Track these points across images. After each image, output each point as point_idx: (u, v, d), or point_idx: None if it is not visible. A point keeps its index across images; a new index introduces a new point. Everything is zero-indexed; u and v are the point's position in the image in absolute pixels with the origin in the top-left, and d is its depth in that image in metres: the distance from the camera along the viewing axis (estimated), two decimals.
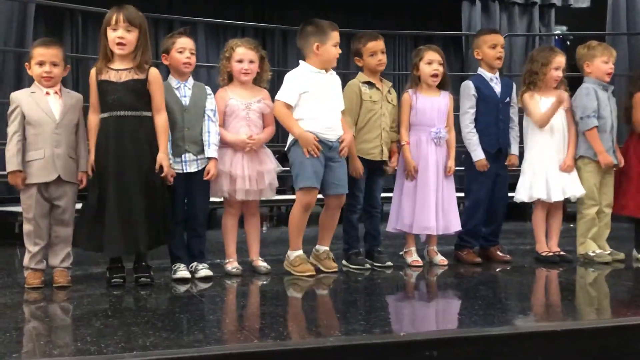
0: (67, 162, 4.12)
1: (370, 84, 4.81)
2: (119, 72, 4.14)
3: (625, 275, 4.81)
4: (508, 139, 5.06)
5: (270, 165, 4.59)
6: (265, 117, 4.63)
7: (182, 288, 4.17)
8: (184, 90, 4.44)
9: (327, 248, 4.69)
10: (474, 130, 4.97)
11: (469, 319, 3.46)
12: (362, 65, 4.87)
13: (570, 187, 5.00)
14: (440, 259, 4.93)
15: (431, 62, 4.86)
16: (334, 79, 4.66)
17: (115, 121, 4.11)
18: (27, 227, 4.14)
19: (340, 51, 4.59)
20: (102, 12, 4.24)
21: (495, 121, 5.01)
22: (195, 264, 4.44)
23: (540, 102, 5.03)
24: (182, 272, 4.35)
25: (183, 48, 4.43)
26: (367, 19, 9.72)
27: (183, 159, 4.36)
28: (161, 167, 4.11)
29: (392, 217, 4.96)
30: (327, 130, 4.51)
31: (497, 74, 5.10)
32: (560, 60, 5.04)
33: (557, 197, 4.99)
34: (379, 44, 4.84)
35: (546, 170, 4.99)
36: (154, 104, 4.17)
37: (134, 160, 4.10)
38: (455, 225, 4.89)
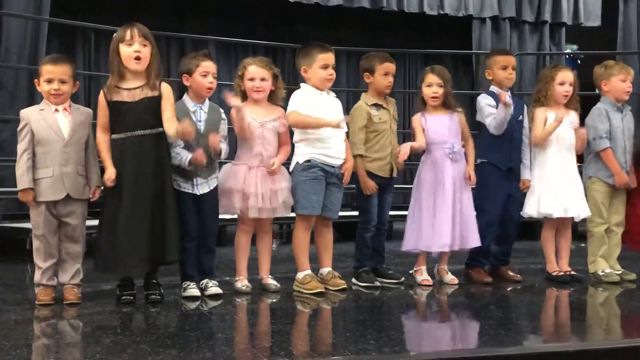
0: (76, 180, 4.12)
1: (377, 106, 4.83)
2: (132, 91, 4.15)
3: (636, 296, 4.77)
4: (520, 157, 5.04)
5: (284, 183, 4.57)
6: (281, 136, 4.62)
7: (192, 305, 4.17)
8: (200, 114, 4.42)
9: (329, 269, 4.69)
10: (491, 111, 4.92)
11: (479, 339, 3.45)
12: (370, 83, 4.88)
13: (575, 206, 4.97)
14: (450, 278, 4.91)
15: (430, 85, 4.89)
16: (334, 100, 4.70)
17: (133, 141, 4.12)
18: (36, 244, 4.14)
19: (331, 72, 4.63)
20: (114, 30, 4.25)
21: (509, 138, 4.98)
22: (205, 281, 4.44)
23: (549, 117, 5.00)
24: (192, 290, 4.34)
25: (207, 72, 4.42)
26: (378, 36, 9.73)
27: (194, 183, 4.35)
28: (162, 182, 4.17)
29: (409, 236, 4.92)
30: (330, 153, 4.56)
31: (509, 93, 5.08)
32: (564, 75, 5.02)
33: (561, 213, 4.95)
34: (393, 66, 4.90)
35: (555, 186, 4.97)
36: (165, 115, 4.15)
37: (151, 179, 4.11)
38: (473, 240, 4.85)
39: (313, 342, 3.54)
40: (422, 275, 4.88)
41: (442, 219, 4.77)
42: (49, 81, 4.11)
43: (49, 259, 4.13)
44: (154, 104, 4.15)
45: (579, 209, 4.99)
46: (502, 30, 9.89)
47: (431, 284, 4.84)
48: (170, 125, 4.13)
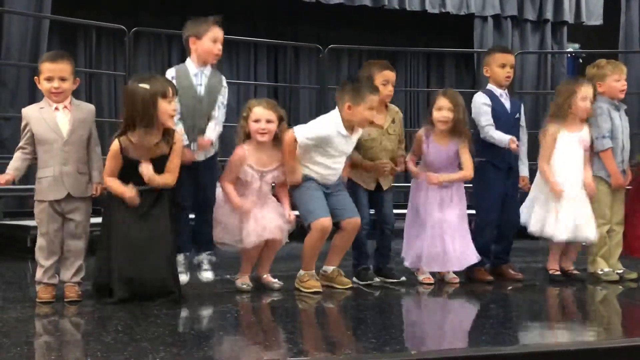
0: (76, 179, 4.11)
1: (369, 123, 4.69)
2: (150, 149, 4.09)
3: (636, 295, 4.77)
4: (517, 156, 5.04)
5: (277, 210, 4.53)
6: (278, 185, 4.61)
7: (193, 302, 4.16)
8: (201, 77, 4.39)
9: (335, 267, 4.67)
10: (492, 126, 4.89)
11: (479, 338, 3.45)
12: None
13: (582, 230, 4.89)
14: (451, 276, 4.90)
15: (441, 109, 4.81)
16: (354, 139, 4.60)
17: (139, 195, 4.09)
18: (40, 241, 4.13)
19: (374, 113, 4.52)
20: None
21: None
22: (202, 257, 4.45)
23: (562, 138, 4.95)
24: (181, 275, 4.33)
25: (216, 38, 4.40)
26: (379, 34, 9.72)
27: (191, 148, 4.33)
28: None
29: (407, 253, 4.95)
30: (325, 180, 4.55)
31: (506, 91, 5.09)
32: (586, 90, 4.92)
33: (563, 237, 4.88)
34: (392, 75, 4.85)
35: (559, 204, 4.90)
36: (170, 166, 4.14)
37: (154, 225, 4.11)
38: (471, 257, 4.84)
39: (314, 340, 3.54)
40: (424, 274, 4.88)
41: (432, 243, 4.77)
42: (49, 79, 4.09)
43: (52, 256, 4.12)
44: (166, 160, 4.14)
45: (588, 232, 4.91)
46: (503, 28, 9.87)
47: (432, 282, 4.84)
48: (169, 176, 4.13)
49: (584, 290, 4.87)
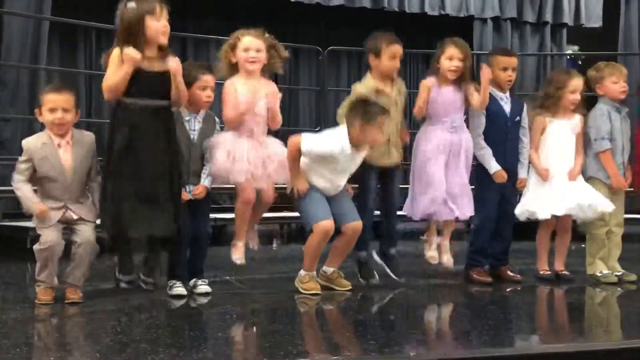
0: (78, 207, 4.13)
1: (377, 91, 4.68)
2: (150, 61, 4.10)
3: (635, 297, 4.78)
4: (516, 158, 5.04)
5: (276, 149, 4.48)
6: (272, 111, 4.50)
7: (179, 303, 4.18)
8: (194, 123, 4.40)
9: (335, 269, 4.66)
10: (484, 144, 4.94)
11: (478, 340, 3.45)
12: (375, 66, 4.74)
13: (596, 202, 4.91)
14: (447, 258, 4.91)
15: (452, 58, 4.82)
16: (358, 160, 4.55)
17: (148, 112, 4.10)
18: (43, 254, 4.06)
19: (383, 133, 4.48)
20: (116, 30, 4.24)
21: (503, 140, 4.98)
22: (195, 280, 4.44)
23: (552, 126, 5.01)
24: (179, 288, 4.33)
25: (206, 86, 4.39)
26: None
27: (186, 189, 4.34)
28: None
29: (408, 202, 4.94)
30: (328, 190, 4.52)
31: (507, 93, 5.09)
32: (576, 83, 4.99)
33: (545, 214, 4.93)
34: (400, 49, 4.77)
35: (551, 187, 4.96)
36: (175, 90, 4.15)
37: (159, 150, 4.13)
38: (468, 210, 4.85)
39: (314, 342, 3.54)
40: (430, 250, 4.91)
41: (434, 187, 4.75)
42: (52, 110, 4.07)
43: (52, 264, 4.08)
44: (167, 76, 4.14)
45: (602, 205, 4.91)
46: (503, 30, 9.88)
47: (437, 262, 4.84)
48: (175, 93, 4.14)
49: (583, 292, 4.87)
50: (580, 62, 10.16)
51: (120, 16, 4.17)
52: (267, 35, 4.52)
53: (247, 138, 4.40)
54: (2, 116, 7.38)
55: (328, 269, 4.65)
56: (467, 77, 4.87)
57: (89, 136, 4.26)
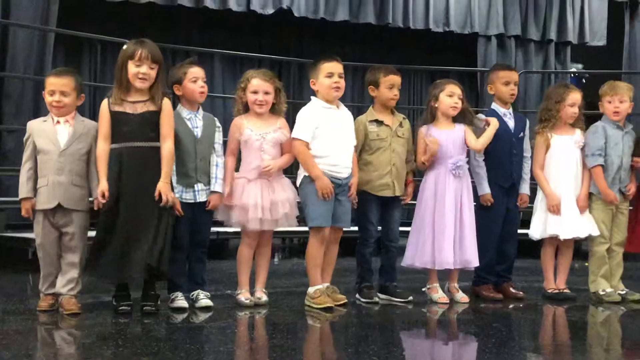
0: (69, 190, 4.15)
1: (378, 122, 4.78)
2: (134, 104, 4.21)
3: (638, 316, 4.75)
4: (520, 173, 5.05)
5: (285, 194, 4.56)
6: (284, 145, 4.61)
7: (180, 317, 4.16)
8: (196, 121, 4.47)
9: (328, 284, 4.65)
10: (483, 164, 4.96)
11: (482, 357, 3.43)
12: (375, 96, 4.84)
13: (584, 226, 4.97)
14: (461, 296, 4.86)
15: (452, 95, 4.84)
16: (345, 114, 4.68)
17: (130, 151, 4.16)
18: (38, 253, 4.22)
19: (337, 80, 4.60)
20: (120, 42, 4.29)
21: (509, 156, 5.00)
22: (197, 292, 4.43)
23: (555, 142, 5.02)
24: (180, 301, 4.34)
25: (196, 77, 4.46)
26: (383, 52, 9.77)
27: (195, 189, 4.38)
28: (160, 195, 4.13)
29: (409, 252, 4.89)
30: (337, 168, 4.54)
31: (511, 109, 5.10)
32: (575, 97, 5.02)
33: (568, 235, 4.95)
34: (398, 79, 4.85)
35: (563, 207, 4.96)
36: (163, 132, 4.21)
37: (147, 190, 4.14)
38: (473, 260, 4.82)
39: (315, 357, 3.53)
40: (438, 294, 4.83)
41: (443, 236, 4.74)
42: (51, 93, 4.20)
43: (49, 267, 4.18)
44: (154, 118, 4.21)
45: (588, 229, 4.97)
46: (507, 48, 9.92)
47: (448, 301, 4.78)
48: (165, 142, 4.20)
49: (585, 310, 4.85)
50: (584, 80, 10.19)
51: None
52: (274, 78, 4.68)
53: (256, 179, 4.51)
54: (5, 127, 7.41)
55: (322, 286, 4.61)
56: (466, 114, 4.88)
57: (92, 122, 4.35)
